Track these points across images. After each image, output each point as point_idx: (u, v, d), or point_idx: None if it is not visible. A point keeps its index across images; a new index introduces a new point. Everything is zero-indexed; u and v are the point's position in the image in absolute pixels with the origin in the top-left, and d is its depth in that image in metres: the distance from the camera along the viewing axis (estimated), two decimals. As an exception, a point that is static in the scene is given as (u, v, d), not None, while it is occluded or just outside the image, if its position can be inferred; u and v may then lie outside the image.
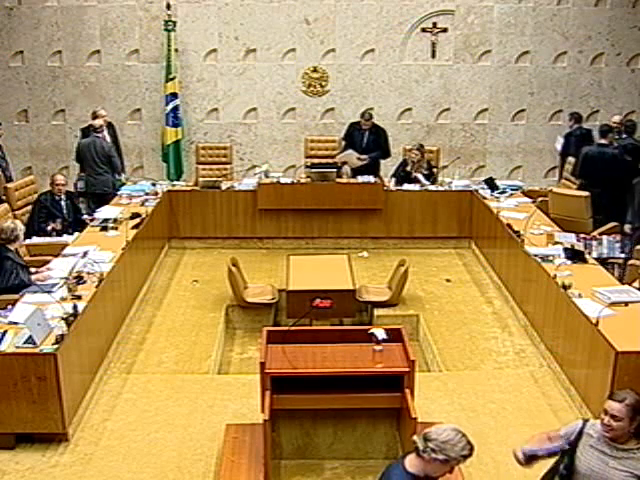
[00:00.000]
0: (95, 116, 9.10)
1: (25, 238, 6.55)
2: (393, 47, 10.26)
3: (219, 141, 10.31)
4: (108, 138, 9.19)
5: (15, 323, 4.95)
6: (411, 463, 2.96)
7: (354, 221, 8.73)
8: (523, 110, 10.51)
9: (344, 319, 6.66)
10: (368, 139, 9.45)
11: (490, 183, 8.76)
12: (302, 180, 8.85)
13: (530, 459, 3.37)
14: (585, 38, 10.24)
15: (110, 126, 9.44)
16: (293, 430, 4.63)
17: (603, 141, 8.25)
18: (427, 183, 8.80)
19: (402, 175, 8.99)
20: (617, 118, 9.26)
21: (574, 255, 6.28)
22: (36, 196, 7.96)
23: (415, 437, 2.99)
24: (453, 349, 6.23)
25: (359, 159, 9.19)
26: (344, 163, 9.24)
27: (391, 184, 8.80)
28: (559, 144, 9.57)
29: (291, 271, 6.89)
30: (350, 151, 9.23)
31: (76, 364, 5.06)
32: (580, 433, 3.29)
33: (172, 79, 9.92)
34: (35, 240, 7.13)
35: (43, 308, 5.07)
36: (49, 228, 7.52)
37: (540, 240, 6.81)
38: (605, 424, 3.14)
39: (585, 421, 3.36)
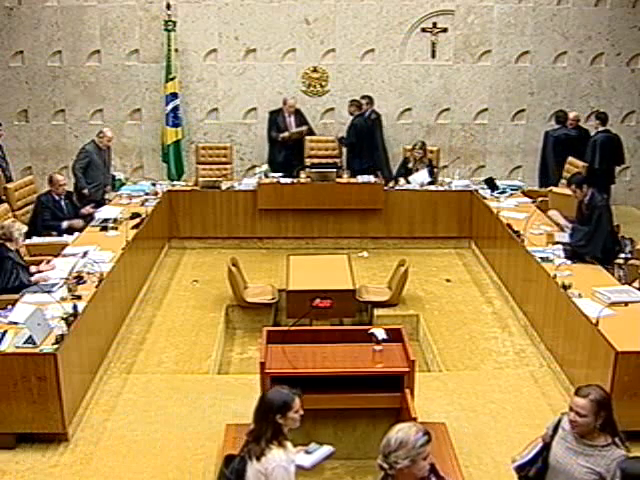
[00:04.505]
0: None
1: (25, 238, 6.55)
2: (393, 47, 10.25)
3: (219, 141, 10.30)
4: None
5: (15, 323, 4.96)
6: None
7: (354, 221, 8.74)
8: (523, 110, 10.51)
9: (344, 319, 6.66)
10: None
11: (490, 183, 8.77)
12: (302, 180, 8.85)
13: (521, 471, 3.37)
14: (585, 38, 10.24)
15: (298, 112, 9.84)
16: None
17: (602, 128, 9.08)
18: (426, 175, 8.78)
19: (403, 172, 9.04)
20: (572, 115, 9.59)
21: (574, 255, 6.29)
22: (34, 196, 7.96)
23: (378, 461, 2.92)
24: (453, 349, 6.23)
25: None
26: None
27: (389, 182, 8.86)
28: None
29: (291, 271, 6.89)
30: None
31: (76, 364, 5.06)
32: (556, 427, 3.32)
33: (172, 79, 9.91)
34: (35, 240, 7.12)
35: (43, 308, 5.07)
36: (64, 225, 7.49)
37: (540, 240, 6.82)
38: (571, 420, 3.15)
39: (563, 414, 3.37)
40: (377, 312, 6.86)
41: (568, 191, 8.05)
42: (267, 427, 3.25)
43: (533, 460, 3.32)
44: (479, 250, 8.50)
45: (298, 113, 9.88)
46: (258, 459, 3.19)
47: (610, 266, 6.15)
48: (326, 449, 3.55)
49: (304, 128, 9.85)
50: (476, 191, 8.67)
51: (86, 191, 8.39)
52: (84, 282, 5.73)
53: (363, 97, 9.79)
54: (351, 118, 9.67)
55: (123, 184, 8.97)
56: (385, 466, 2.87)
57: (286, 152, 9.71)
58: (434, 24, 10.17)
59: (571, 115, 9.57)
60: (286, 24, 10.10)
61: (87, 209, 7.87)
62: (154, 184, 8.82)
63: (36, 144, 10.43)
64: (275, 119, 9.82)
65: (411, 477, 2.87)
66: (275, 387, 3.41)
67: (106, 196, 8.57)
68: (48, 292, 5.43)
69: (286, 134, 9.71)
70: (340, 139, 9.85)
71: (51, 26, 9.98)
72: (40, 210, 7.56)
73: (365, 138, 9.53)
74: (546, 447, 3.29)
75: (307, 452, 3.48)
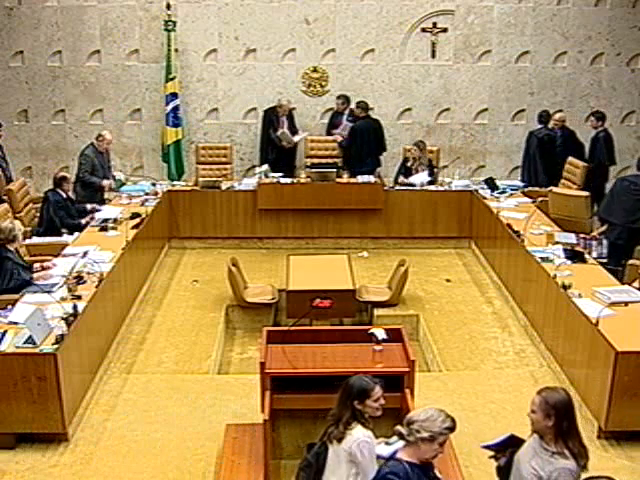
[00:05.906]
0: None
1: (25, 238, 6.56)
2: (393, 47, 10.25)
3: (219, 141, 10.31)
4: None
5: (15, 323, 4.96)
6: (403, 454, 3.00)
7: (354, 221, 8.74)
8: (523, 110, 10.50)
9: (344, 319, 6.66)
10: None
11: (490, 183, 8.77)
12: (302, 180, 8.84)
13: (493, 454, 3.35)
14: (585, 38, 10.24)
15: (289, 114, 9.90)
16: (293, 430, 4.63)
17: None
18: (426, 176, 8.78)
19: (403, 172, 9.04)
20: (558, 116, 9.51)
21: (574, 255, 6.29)
22: (29, 197, 7.97)
23: (397, 427, 3.07)
24: (453, 349, 6.24)
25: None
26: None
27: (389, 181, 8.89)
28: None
29: (291, 271, 6.89)
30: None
31: (76, 364, 5.06)
32: None
33: (172, 79, 9.91)
34: (35, 240, 7.13)
35: (43, 308, 5.07)
36: (89, 207, 7.80)
37: (540, 240, 6.82)
38: (528, 414, 3.17)
39: None
40: (377, 312, 6.86)
41: (568, 191, 8.08)
42: (346, 411, 3.39)
43: (501, 447, 3.31)
44: (479, 250, 8.50)
45: (290, 114, 9.90)
46: (339, 441, 3.35)
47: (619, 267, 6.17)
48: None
49: (303, 136, 9.88)
50: (476, 191, 8.67)
51: (105, 182, 8.51)
52: (84, 282, 5.73)
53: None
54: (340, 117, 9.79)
55: (123, 184, 8.96)
56: (404, 432, 2.98)
57: (279, 152, 9.72)
58: (434, 24, 10.17)
59: (556, 116, 9.46)
60: (286, 24, 10.10)
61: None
62: (154, 184, 8.81)
63: (36, 144, 10.43)
64: (270, 117, 9.83)
65: (418, 453, 2.97)
66: (359, 374, 3.51)
67: (105, 196, 8.58)
68: (48, 292, 5.43)
69: (286, 143, 9.72)
70: (340, 143, 9.84)
71: (51, 26, 9.98)
72: (55, 210, 7.51)
73: (369, 141, 9.56)
74: (520, 442, 3.28)
75: (387, 443, 3.50)
